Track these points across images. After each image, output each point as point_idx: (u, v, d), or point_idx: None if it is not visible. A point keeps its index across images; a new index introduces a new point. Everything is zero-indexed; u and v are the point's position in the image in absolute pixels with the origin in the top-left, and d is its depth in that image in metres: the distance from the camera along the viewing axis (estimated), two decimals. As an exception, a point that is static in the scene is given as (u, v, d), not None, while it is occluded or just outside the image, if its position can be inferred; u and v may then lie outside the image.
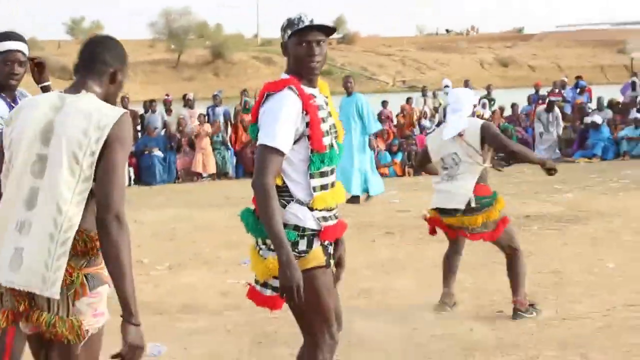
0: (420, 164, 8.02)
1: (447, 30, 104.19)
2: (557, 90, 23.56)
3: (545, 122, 20.76)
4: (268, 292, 4.23)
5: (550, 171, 7.21)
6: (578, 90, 24.46)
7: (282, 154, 4.06)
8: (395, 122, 22.31)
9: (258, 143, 4.10)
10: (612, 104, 22.26)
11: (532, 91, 24.68)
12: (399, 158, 19.49)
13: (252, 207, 4.25)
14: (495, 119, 22.79)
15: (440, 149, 7.34)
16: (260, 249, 4.23)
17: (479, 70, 75.14)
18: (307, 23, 4.17)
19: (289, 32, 4.21)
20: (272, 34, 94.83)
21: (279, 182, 4.14)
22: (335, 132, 4.32)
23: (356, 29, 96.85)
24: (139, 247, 10.73)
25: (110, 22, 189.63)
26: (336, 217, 4.34)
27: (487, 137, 7.16)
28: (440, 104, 24.07)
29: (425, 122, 22.67)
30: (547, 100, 22.37)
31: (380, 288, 8.46)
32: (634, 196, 14.02)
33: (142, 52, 69.84)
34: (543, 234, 11.02)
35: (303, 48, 4.18)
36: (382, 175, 19.07)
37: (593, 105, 23.18)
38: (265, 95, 4.18)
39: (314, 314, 4.23)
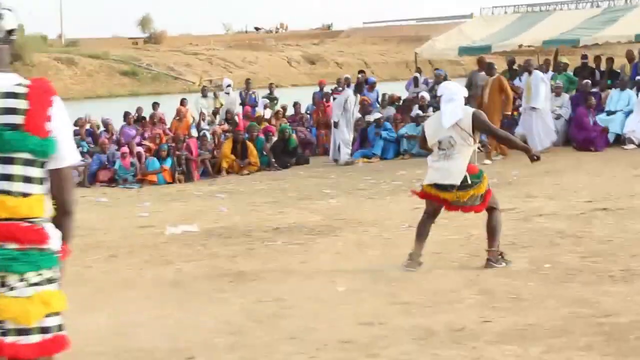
0: (422, 146, 8.98)
1: (257, 28, 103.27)
2: (340, 88, 22.65)
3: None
4: (36, 338, 3.38)
5: (533, 158, 8.27)
6: (367, 86, 23.69)
7: None
8: (169, 125, 20.97)
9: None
10: (392, 100, 21.59)
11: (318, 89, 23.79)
12: (168, 164, 18.12)
13: None
14: (278, 119, 21.84)
15: (437, 133, 8.24)
16: (13, 288, 3.35)
17: (287, 67, 74.74)
18: None
19: None
20: (78, 34, 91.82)
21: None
22: None
23: (164, 27, 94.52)
24: None
25: None
26: None
27: (476, 124, 8.13)
28: (221, 105, 22.84)
29: (204, 125, 21.40)
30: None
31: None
32: (401, 200, 13.12)
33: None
34: (285, 249, 9.88)
35: None
36: (151, 182, 17.79)
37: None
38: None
39: None
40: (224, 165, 18.58)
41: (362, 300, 7.42)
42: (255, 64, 74.47)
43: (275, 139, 19.77)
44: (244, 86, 23.92)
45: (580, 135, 17.79)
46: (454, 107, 8.22)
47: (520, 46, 22.21)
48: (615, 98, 18.58)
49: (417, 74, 23.19)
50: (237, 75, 64.97)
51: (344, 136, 18.72)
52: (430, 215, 8.52)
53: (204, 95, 23.33)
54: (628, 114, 18.02)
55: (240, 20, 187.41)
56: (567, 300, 7.06)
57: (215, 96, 23.20)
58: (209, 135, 19.53)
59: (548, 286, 7.59)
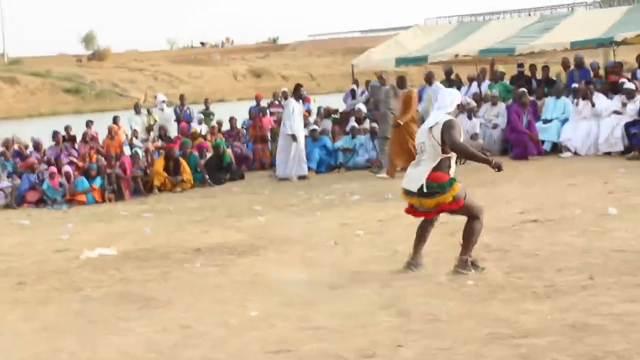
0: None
1: (202, 43, 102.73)
2: (277, 102, 22.32)
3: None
4: None
5: (495, 169, 8.20)
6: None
7: None
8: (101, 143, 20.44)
9: None
10: (328, 113, 21.25)
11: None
12: (97, 183, 17.61)
13: None
14: (213, 134, 21.39)
15: (420, 137, 8.31)
16: None
17: (232, 82, 74.36)
18: None
19: None
20: (21, 53, 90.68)
21: None
22: None
23: (108, 44, 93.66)
24: None
25: None
26: None
27: (443, 132, 8.03)
28: (155, 121, 22.35)
29: (137, 142, 20.90)
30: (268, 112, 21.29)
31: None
32: (331, 216, 12.78)
33: None
34: (202, 272, 9.45)
35: None
36: (80, 202, 17.28)
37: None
38: None
39: None
40: (156, 182, 18.10)
41: (272, 326, 7.02)
42: (201, 79, 73.99)
43: (209, 154, 19.32)
44: (179, 102, 23.43)
45: (513, 137, 17.59)
46: (438, 114, 8.23)
47: (456, 56, 21.99)
48: (551, 106, 18.42)
49: (354, 86, 22.85)
50: (181, 90, 64.32)
51: (302, 148, 18.07)
52: (426, 219, 8.52)
53: (137, 112, 22.79)
54: (564, 122, 17.85)
55: (186, 36, 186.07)
56: (487, 320, 6.72)
57: (149, 113, 22.67)
58: (141, 153, 19.03)
59: (468, 305, 7.24)
